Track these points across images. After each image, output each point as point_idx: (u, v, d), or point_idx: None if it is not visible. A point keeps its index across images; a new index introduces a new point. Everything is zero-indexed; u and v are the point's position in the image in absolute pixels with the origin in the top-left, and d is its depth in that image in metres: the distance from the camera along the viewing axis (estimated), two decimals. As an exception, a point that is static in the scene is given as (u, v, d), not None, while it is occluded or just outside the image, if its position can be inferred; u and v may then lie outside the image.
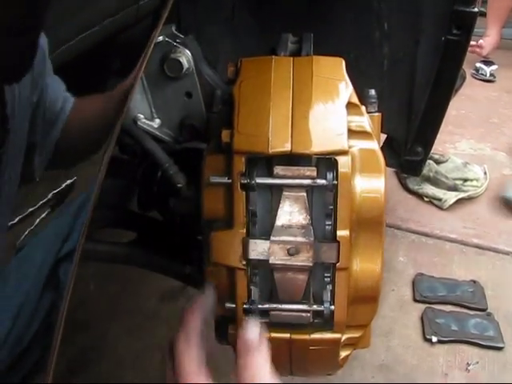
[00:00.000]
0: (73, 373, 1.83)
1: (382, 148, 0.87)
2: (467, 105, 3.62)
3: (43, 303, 0.97)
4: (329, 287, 0.84)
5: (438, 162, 2.84)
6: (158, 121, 1.06)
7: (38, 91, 0.80)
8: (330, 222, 0.82)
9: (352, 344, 0.94)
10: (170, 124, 1.07)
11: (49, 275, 0.97)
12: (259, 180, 0.80)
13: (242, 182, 0.80)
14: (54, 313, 0.97)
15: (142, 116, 1.05)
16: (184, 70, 1.00)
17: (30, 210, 0.91)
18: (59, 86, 0.88)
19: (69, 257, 1.03)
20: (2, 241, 0.80)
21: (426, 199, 2.72)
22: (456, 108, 3.48)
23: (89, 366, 1.91)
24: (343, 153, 0.80)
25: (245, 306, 0.85)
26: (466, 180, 2.76)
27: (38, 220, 0.91)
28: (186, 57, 0.99)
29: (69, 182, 1.07)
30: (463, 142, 3.24)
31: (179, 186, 0.99)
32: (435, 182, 2.72)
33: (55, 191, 1.00)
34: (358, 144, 0.84)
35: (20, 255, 0.95)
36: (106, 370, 1.91)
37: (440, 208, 2.67)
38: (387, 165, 0.88)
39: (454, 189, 2.70)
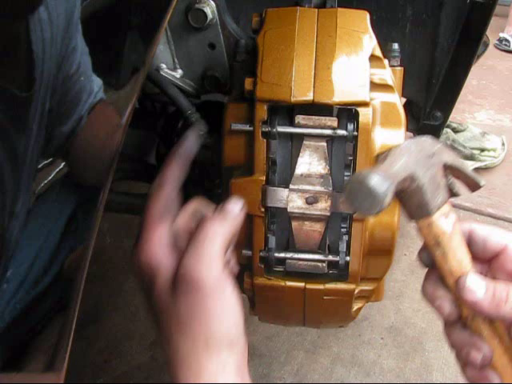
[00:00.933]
0: (86, 323, 1.87)
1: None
2: (488, 75, 3.59)
3: (63, 247, 0.99)
4: (345, 238, 0.86)
5: (455, 131, 2.82)
6: (180, 71, 1.06)
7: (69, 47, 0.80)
8: (348, 173, 0.83)
9: (365, 296, 0.96)
10: (192, 75, 1.08)
11: (68, 220, 0.99)
12: (280, 128, 0.81)
13: (264, 129, 0.81)
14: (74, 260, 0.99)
15: (164, 66, 1.05)
16: (208, 20, 1.00)
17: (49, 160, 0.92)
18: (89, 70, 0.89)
19: (87, 203, 1.05)
20: (31, 186, 0.82)
21: (442, 167, 2.72)
22: (477, 78, 3.45)
23: (102, 318, 1.95)
24: (364, 104, 0.80)
25: (261, 253, 0.87)
26: (483, 150, 2.75)
27: (54, 172, 0.92)
28: (210, 7, 0.99)
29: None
30: (482, 112, 3.22)
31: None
32: (452, 150, 2.71)
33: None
34: (380, 97, 0.84)
35: (41, 199, 0.97)
36: (119, 323, 1.95)
37: (456, 176, 2.67)
38: (406, 129, 0.88)
39: (471, 158, 2.70)
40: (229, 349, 0.66)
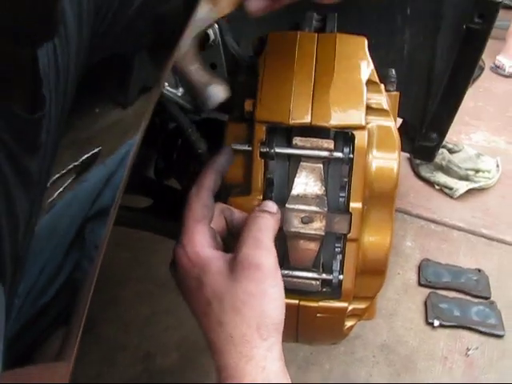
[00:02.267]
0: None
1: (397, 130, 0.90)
2: (485, 97, 3.62)
3: (68, 260, 1.00)
4: (339, 257, 0.87)
5: (451, 152, 2.85)
6: (181, 89, 1.08)
7: None
8: (343, 194, 0.85)
9: (357, 315, 0.97)
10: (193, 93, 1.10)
11: (76, 234, 1.00)
12: (278, 149, 0.83)
13: (262, 150, 0.83)
14: (78, 270, 1.01)
15: (166, 84, 1.07)
16: (210, 41, 1.02)
17: (57, 176, 0.94)
18: None
19: (95, 218, 1.06)
20: (42, 203, 0.83)
21: (437, 187, 2.74)
22: (473, 100, 3.48)
23: (96, 329, 1.95)
24: (360, 128, 0.83)
25: (257, 270, 0.88)
26: (478, 171, 2.77)
27: (63, 186, 0.94)
28: (213, 29, 1.02)
29: (94, 151, 1.10)
30: (478, 134, 3.25)
31: (200, 151, 1.02)
32: (447, 170, 2.74)
33: (81, 159, 1.03)
34: (375, 120, 0.86)
35: (50, 214, 0.99)
36: (114, 334, 1.96)
37: (450, 197, 2.69)
38: (401, 149, 0.90)
39: (466, 179, 2.72)
40: (276, 333, 0.72)
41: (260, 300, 0.71)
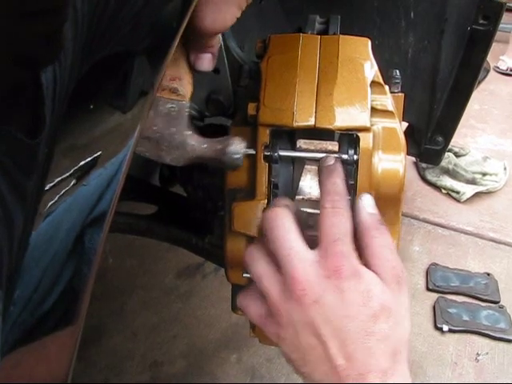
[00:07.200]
0: (87, 343, 1.87)
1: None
2: (490, 100, 3.61)
3: (68, 268, 0.99)
4: (345, 261, 0.86)
5: (457, 155, 2.84)
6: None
7: None
8: (349, 197, 0.83)
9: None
10: (196, 98, 1.09)
11: (75, 241, 0.99)
12: (282, 152, 0.82)
13: (266, 153, 0.82)
14: (78, 278, 1.00)
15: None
16: (213, 45, 1.01)
17: (57, 180, 0.93)
18: None
19: (95, 224, 1.06)
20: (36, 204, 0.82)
21: (444, 191, 2.73)
22: (479, 103, 3.48)
23: (103, 338, 1.95)
24: (365, 130, 0.82)
25: (262, 275, 0.87)
26: (484, 174, 2.76)
27: (63, 191, 0.93)
28: (215, 33, 1.01)
29: (94, 155, 1.09)
30: (484, 137, 3.24)
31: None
32: (454, 174, 2.73)
33: (80, 164, 1.02)
34: (380, 122, 0.85)
35: (48, 220, 0.98)
36: (121, 342, 1.95)
37: (457, 200, 2.68)
38: (407, 153, 0.89)
39: (473, 182, 2.71)
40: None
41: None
